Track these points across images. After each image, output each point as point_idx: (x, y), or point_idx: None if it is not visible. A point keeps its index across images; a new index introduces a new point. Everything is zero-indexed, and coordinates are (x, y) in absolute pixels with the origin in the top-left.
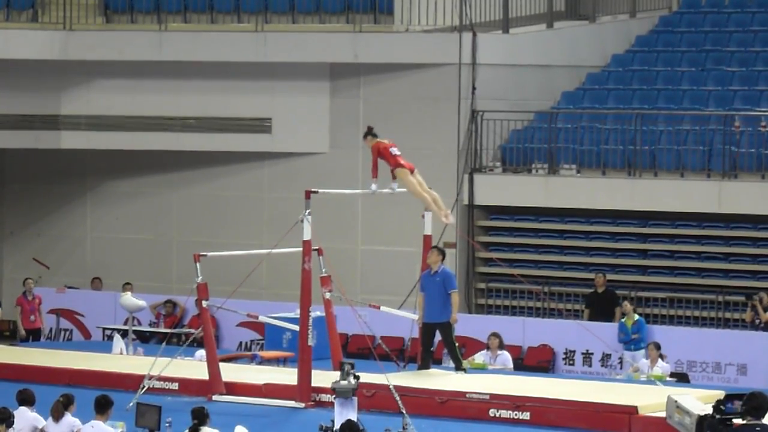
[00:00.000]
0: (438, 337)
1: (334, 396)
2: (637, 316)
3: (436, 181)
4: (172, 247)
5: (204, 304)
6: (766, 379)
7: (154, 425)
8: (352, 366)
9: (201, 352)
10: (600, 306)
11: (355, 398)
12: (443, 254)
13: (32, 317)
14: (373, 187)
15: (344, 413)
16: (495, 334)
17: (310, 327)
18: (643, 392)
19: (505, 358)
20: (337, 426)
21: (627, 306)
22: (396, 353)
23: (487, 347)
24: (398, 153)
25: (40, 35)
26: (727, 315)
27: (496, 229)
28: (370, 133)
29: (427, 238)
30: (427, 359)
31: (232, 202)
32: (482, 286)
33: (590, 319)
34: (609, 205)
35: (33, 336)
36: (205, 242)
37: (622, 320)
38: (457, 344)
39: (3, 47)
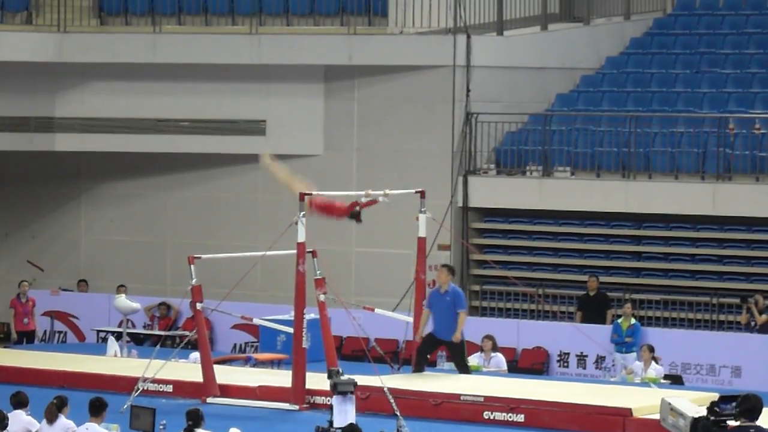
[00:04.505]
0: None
1: (331, 397)
2: (634, 320)
3: (430, 183)
4: (167, 249)
5: (198, 306)
6: (761, 381)
7: (149, 427)
8: (339, 373)
9: (195, 355)
10: (592, 309)
11: (354, 397)
12: (453, 272)
13: (26, 320)
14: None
15: (344, 412)
16: (488, 337)
17: (304, 329)
18: (637, 394)
19: (499, 360)
20: (336, 425)
21: (627, 308)
22: (390, 356)
23: (481, 349)
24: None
25: (34, 37)
26: (721, 317)
27: (490, 232)
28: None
29: (421, 241)
30: (421, 364)
31: (226, 205)
32: (476, 288)
33: (582, 322)
34: (603, 208)
35: (27, 338)
36: (199, 244)
37: (618, 321)
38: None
39: None
